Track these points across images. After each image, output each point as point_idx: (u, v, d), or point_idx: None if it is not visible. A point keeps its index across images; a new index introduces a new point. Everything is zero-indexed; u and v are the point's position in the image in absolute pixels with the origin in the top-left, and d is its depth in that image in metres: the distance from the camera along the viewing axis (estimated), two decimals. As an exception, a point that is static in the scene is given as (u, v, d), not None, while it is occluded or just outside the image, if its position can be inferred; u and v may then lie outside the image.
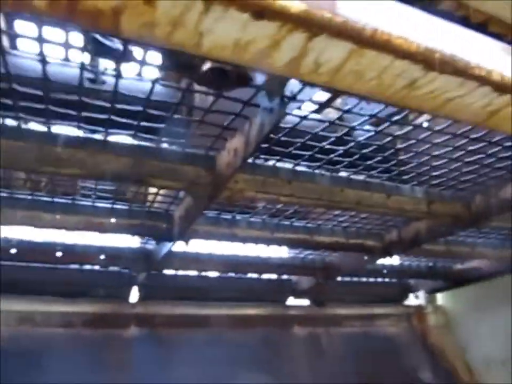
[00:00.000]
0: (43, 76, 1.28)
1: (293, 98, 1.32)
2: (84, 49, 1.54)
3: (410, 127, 1.72)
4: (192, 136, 1.68)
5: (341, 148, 1.80)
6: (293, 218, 2.58)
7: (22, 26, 1.79)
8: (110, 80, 1.71)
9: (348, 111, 1.58)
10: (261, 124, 1.44)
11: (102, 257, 2.82)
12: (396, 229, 2.73)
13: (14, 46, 1.88)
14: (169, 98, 1.58)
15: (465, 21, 1.11)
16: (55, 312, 2.94)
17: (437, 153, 1.86)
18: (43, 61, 1.23)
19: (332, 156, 1.84)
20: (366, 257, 2.97)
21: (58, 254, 2.77)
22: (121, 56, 1.35)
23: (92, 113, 1.46)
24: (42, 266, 2.90)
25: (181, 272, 3.23)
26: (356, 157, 1.86)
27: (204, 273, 3.29)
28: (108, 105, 1.43)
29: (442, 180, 2.13)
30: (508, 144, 1.79)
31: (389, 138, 1.77)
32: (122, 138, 1.66)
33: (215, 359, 3.08)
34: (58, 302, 2.94)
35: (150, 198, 2.27)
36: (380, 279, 3.89)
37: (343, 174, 2.01)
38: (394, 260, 3.66)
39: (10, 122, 1.54)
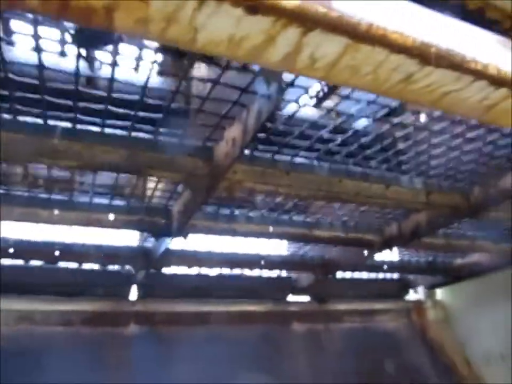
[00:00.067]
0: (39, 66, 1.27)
1: (291, 84, 1.32)
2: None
3: (408, 115, 1.72)
4: (190, 127, 1.67)
5: (339, 136, 1.80)
6: (291, 213, 2.57)
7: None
8: (105, 72, 1.70)
9: (347, 97, 1.58)
10: (258, 111, 1.43)
11: (101, 256, 2.82)
12: (396, 222, 2.72)
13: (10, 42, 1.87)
14: (166, 87, 1.57)
15: (462, 9, 1.11)
16: (55, 310, 2.93)
17: (435, 141, 1.85)
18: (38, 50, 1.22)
19: (330, 145, 1.84)
20: (365, 252, 2.96)
21: (57, 253, 2.77)
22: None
23: (88, 104, 1.45)
24: (41, 266, 2.90)
25: (180, 270, 3.22)
26: (354, 146, 1.86)
27: (203, 271, 3.28)
28: (104, 94, 1.42)
29: (441, 170, 2.12)
30: (507, 131, 1.79)
31: (387, 127, 1.77)
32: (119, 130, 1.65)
33: (215, 356, 3.07)
34: (57, 301, 2.93)
35: (148, 193, 2.26)
36: (379, 275, 3.90)
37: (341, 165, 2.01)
38: (394, 256, 3.66)
39: (7, 115, 1.54)
